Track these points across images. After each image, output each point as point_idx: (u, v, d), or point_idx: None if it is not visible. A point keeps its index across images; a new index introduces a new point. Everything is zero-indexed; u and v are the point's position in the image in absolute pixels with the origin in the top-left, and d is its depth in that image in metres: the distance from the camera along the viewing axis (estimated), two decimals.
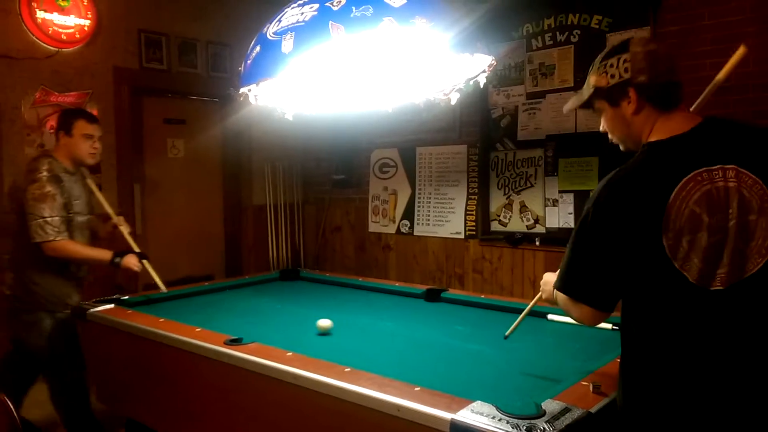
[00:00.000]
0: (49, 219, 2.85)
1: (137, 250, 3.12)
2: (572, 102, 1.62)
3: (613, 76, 1.46)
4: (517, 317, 2.21)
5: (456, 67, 2.31)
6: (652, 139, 1.44)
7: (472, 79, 2.34)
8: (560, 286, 1.50)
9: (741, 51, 1.59)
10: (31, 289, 2.98)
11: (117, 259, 2.95)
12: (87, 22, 4.30)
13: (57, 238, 2.87)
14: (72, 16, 4.22)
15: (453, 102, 2.45)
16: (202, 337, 2.22)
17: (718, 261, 1.33)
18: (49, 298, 2.98)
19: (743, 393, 1.34)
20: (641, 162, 1.40)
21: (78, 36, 4.28)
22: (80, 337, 2.81)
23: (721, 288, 1.33)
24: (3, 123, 4.03)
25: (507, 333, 2.18)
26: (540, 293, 1.87)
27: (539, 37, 4.32)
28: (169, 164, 5.05)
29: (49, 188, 2.88)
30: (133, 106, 4.69)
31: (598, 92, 1.51)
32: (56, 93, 4.24)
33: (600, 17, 4.00)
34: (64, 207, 2.96)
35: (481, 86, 2.37)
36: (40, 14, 4.08)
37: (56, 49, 4.21)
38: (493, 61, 2.23)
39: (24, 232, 2.90)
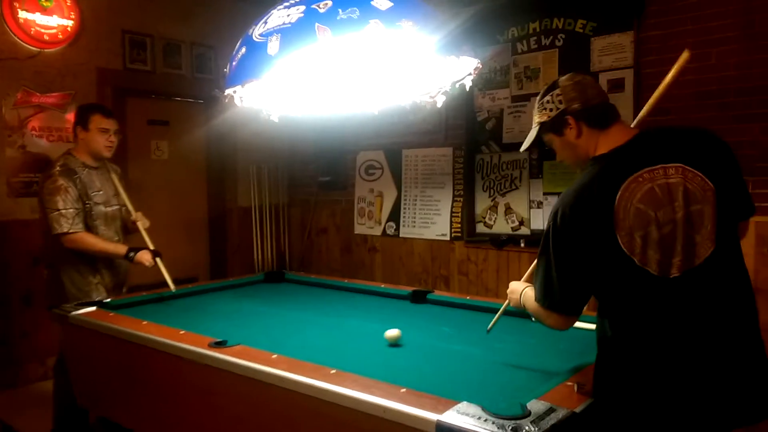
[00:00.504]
0: (63, 211, 2.95)
1: (152, 247, 3.19)
2: (526, 142, 1.83)
3: (551, 110, 1.67)
4: (502, 318, 2.28)
5: (442, 70, 2.32)
6: (597, 154, 1.61)
7: (457, 82, 2.35)
8: (536, 298, 1.67)
9: (685, 56, 1.68)
10: (60, 285, 3.09)
11: (131, 254, 3.04)
12: (70, 23, 4.26)
13: (71, 230, 2.97)
14: (55, 17, 4.18)
15: (439, 105, 2.46)
16: (186, 339, 2.20)
17: (673, 250, 1.46)
18: (75, 293, 3.06)
19: (710, 371, 1.46)
20: (588, 174, 1.57)
21: (61, 36, 4.24)
22: (62, 340, 2.78)
23: (677, 275, 1.45)
24: None
25: (489, 327, 2.28)
26: (507, 301, 2.04)
27: (524, 41, 4.35)
28: (153, 166, 5.02)
29: (61, 181, 2.98)
30: (116, 108, 4.64)
31: (543, 127, 1.72)
32: (38, 94, 4.19)
33: (584, 21, 4.04)
34: (80, 199, 3.05)
35: (467, 89, 2.38)
36: (22, 14, 4.04)
37: (38, 49, 4.17)
38: (479, 65, 2.24)
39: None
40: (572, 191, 1.55)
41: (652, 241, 1.45)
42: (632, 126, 1.72)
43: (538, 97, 1.74)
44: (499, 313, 2.24)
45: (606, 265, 1.49)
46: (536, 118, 1.74)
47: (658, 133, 1.59)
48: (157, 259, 3.10)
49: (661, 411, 1.46)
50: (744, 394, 1.48)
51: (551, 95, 1.67)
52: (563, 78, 1.68)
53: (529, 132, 1.81)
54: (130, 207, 3.32)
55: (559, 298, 1.59)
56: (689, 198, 1.46)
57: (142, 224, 3.28)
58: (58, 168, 3.03)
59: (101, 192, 3.18)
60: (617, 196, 1.47)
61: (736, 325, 1.48)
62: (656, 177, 1.48)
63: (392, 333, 2.28)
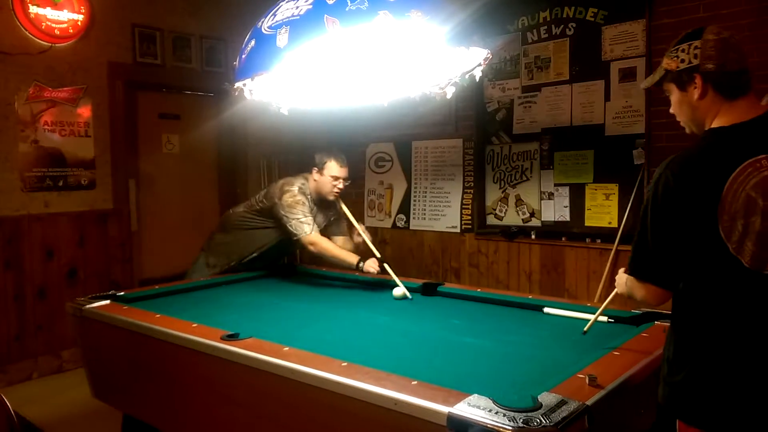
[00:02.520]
0: (302, 219, 3.38)
1: (378, 255, 3.44)
2: (647, 80, 1.68)
3: (683, 61, 1.51)
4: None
5: (451, 61, 2.31)
6: (715, 125, 1.48)
7: (467, 72, 2.34)
8: (628, 268, 1.57)
9: None
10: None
11: (360, 264, 3.29)
12: (80, 17, 4.28)
13: (312, 231, 3.36)
14: (65, 11, 4.20)
15: (449, 96, 2.45)
16: (199, 332, 2.22)
17: None
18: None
19: None
20: (702, 147, 1.46)
21: (71, 31, 4.25)
22: (77, 333, 2.80)
23: None
24: None
25: (585, 329, 2.14)
26: (615, 290, 1.88)
27: (534, 30, 4.31)
28: (164, 160, 5.04)
29: (299, 197, 3.45)
30: (127, 102, 4.67)
31: (668, 75, 1.56)
32: (50, 88, 4.22)
33: (595, 10, 3.99)
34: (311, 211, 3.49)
35: (477, 80, 2.37)
36: (33, 9, 4.05)
37: (49, 44, 4.19)
38: (489, 55, 2.23)
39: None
40: (681, 160, 1.44)
41: (753, 232, 1.36)
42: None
43: (676, 39, 1.57)
44: (602, 307, 2.09)
45: (698, 245, 1.41)
46: (664, 62, 1.57)
47: None
48: (385, 265, 3.28)
49: (737, 403, 1.39)
50: None
51: (689, 45, 1.50)
52: (709, 29, 1.51)
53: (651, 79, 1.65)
54: (354, 222, 3.63)
55: (653, 267, 1.48)
56: None
57: (366, 236, 3.60)
58: (297, 186, 3.47)
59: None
60: (730, 178, 1.37)
61: None
62: None
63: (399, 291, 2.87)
